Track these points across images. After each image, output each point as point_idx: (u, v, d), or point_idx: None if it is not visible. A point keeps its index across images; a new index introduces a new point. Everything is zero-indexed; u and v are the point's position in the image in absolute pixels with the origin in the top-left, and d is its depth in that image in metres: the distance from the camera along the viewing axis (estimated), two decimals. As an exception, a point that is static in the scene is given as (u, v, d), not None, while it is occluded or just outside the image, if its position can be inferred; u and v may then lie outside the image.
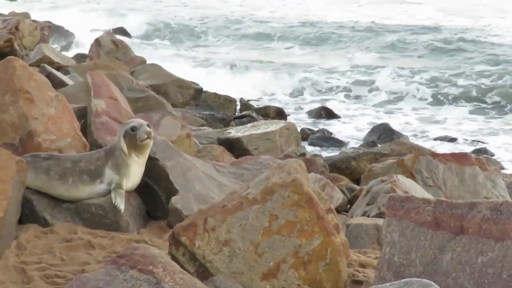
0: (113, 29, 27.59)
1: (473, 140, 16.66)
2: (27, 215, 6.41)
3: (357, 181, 10.69)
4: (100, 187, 6.50)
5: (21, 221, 6.29)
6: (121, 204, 6.35)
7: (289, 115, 17.85)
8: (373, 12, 36.47)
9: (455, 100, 20.76)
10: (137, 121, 6.69)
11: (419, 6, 38.64)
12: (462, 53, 26.56)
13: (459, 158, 9.27)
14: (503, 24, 32.99)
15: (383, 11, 36.85)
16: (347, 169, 11.51)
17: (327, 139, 16.01)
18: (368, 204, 8.08)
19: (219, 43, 29.93)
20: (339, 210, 9.09)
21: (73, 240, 6.07)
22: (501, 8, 37.52)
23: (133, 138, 6.46)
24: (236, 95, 18.10)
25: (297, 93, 21.28)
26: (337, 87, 21.90)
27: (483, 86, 21.69)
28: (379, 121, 17.56)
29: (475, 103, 20.52)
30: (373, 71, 23.58)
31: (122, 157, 6.51)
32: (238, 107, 17.33)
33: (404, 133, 16.33)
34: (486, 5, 38.74)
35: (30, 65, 12.52)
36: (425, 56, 26.68)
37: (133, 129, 6.47)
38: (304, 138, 15.48)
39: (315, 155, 13.09)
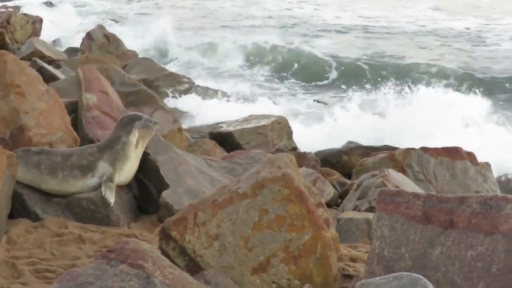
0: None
1: None
2: (18, 209, 6.39)
3: (349, 176, 10.70)
4: (92, 181, 6.49)
5: (11, 216, 6.27)
6: (111, 197, 6.35)
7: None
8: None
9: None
10: (140, 114, 6.95)
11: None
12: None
13: (450, 152, 9.29)
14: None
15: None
16: (339, 163, 11.53)
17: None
18: (359, 199, 8.10)
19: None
20: (330, 204, 9.10)
21: (64, 234, 6.06)
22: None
23: (150, 130, 6.74)
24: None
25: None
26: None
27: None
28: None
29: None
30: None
31: (124, 151, 6.55)
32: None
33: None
34: None
35: (22, 59, 12.51)
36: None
37: (150, 120, 6.77)
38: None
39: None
